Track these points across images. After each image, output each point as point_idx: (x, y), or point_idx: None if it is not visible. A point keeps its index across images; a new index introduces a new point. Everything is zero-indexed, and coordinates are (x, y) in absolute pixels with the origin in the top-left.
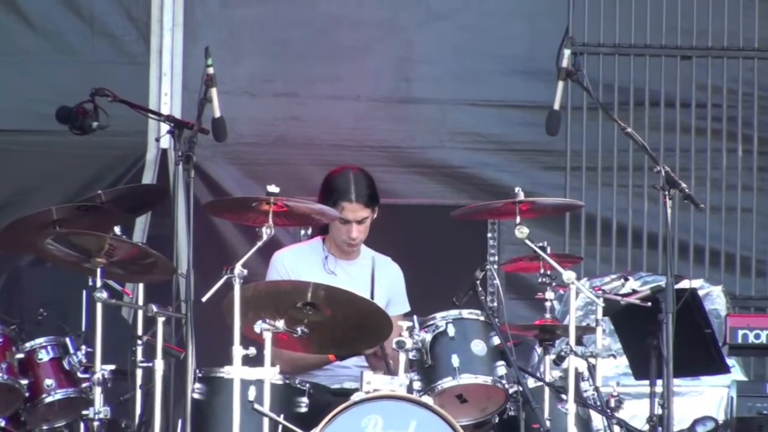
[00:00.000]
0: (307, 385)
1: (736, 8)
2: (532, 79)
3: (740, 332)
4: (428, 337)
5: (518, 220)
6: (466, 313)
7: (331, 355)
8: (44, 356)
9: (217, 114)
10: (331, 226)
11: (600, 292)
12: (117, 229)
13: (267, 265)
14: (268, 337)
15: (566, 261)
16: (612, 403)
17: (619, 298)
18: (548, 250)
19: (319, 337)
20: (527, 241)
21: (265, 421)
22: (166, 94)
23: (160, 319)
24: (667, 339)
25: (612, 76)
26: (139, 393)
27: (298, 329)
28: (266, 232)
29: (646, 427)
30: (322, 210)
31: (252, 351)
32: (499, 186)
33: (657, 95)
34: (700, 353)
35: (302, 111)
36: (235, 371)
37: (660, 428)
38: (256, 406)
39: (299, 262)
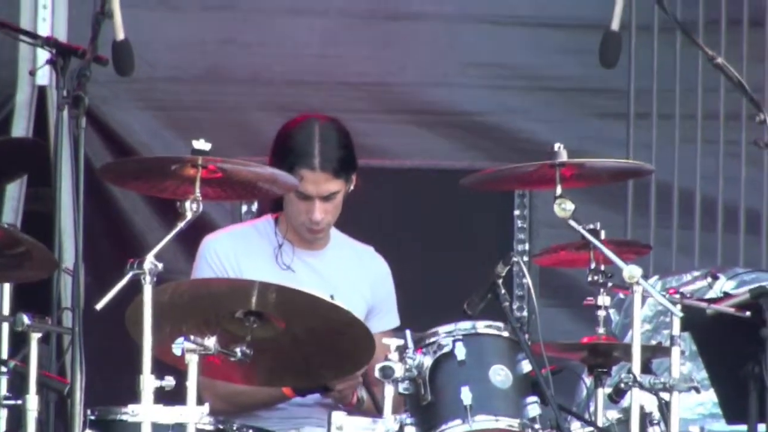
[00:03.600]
0: (250, 431)
1: None
2: None
3: None
4: (427, 361)
5: (559, 190)
6: (482, 326)
7: (287, 388)
8: None
9: (121, 36)
10: (286, 202)
11: (677, 296)
12: None
13: (192, 256)
14: (193, 361)
15: (629, 251)
16: None
17: (704, 305)
18: (602, 235)
19: (268, 362)
20: (572, 222)
21: None
22: (45, 7)
23: (35, 336)
24: None
25: None
26: None
27: (237, 350)
28: (191, 209)
29: None
30: (273, 176)
31: (170, 382)
32: (531, 141)
33: (761, 10)
34: None
35: (244, 31)
36: (144, 412)
37: None
38: None
39: (240, 252)
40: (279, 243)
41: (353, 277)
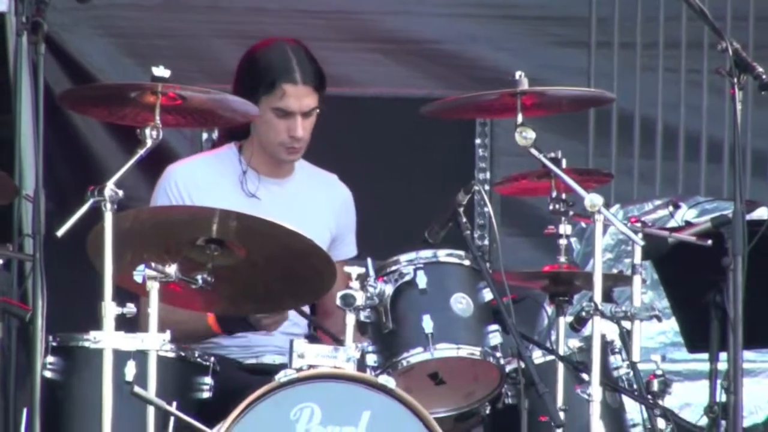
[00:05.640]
0: (212, 359)
1: None
2: None
3: None
4: (389, 289)
5: (520, 119)
6: (443, 254)
7: (212, 318)
8: None
9: None
10: (258, 126)
11: (638, 224)
12: None
13: (152, 184)
14: (154, 289)
15: (590, 179)
16: (655, 386)
17: (666, 233)
18: (563, 163)
19: (229, 289)
20: (533, 151)
21: (150, 410)
22: None
23: None
24: (736, 293)
25: None
26: None
27: (199, 278)
28: (151, 136)
29: (704, 420)
30: (233, 103)
31: (131, 309)
32: (491, 69)
33: None
34: None
35: None
36: (105, 338)
37: (724, 422)
38: (137, 389)
39: (203, 180)
40: (243, 170)
41: (318, 206)
